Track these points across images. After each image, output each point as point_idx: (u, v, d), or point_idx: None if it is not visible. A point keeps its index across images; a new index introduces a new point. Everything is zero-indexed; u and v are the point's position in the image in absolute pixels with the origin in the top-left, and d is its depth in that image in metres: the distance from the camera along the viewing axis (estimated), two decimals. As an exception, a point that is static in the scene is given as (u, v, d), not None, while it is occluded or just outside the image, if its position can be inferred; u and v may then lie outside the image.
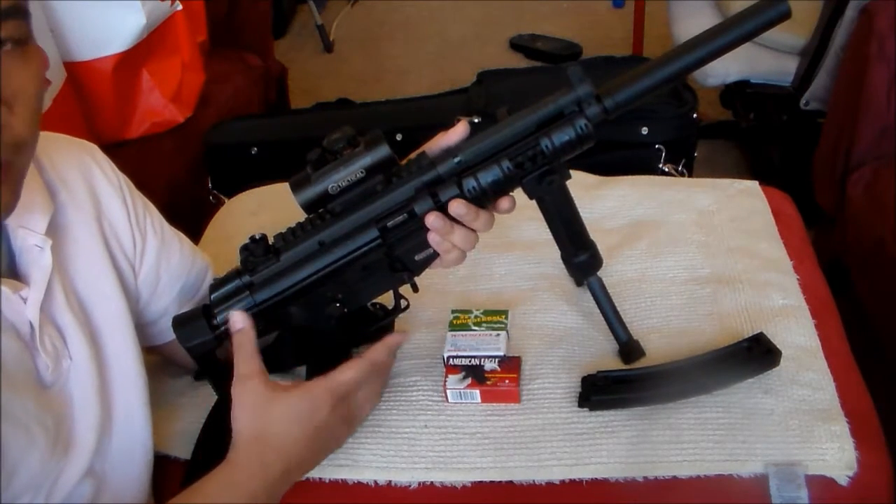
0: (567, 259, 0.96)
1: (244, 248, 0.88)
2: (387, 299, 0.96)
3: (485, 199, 0.85)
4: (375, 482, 0.89)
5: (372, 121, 2.00)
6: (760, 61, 2.08)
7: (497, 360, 0.95)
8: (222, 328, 0.88)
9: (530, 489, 0.88)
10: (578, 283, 1.06)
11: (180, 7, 1.76)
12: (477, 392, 0.93)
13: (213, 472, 0.77)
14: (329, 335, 0.92)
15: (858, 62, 1.61)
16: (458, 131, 0.86)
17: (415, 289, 0.92)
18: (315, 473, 0.90)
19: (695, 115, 1.85)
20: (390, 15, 3.46)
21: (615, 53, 2.31)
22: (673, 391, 0.91)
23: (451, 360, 0.96)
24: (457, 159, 0.84)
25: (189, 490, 0.77)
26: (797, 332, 0.99)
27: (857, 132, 1.61)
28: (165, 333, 0.94)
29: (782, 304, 1.03)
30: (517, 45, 3.12)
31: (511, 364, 0.95)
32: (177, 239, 0.96)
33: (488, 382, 0.93)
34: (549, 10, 3.29)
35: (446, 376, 0.95)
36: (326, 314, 0.89)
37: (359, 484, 0.90)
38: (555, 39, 3.08)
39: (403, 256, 0.88)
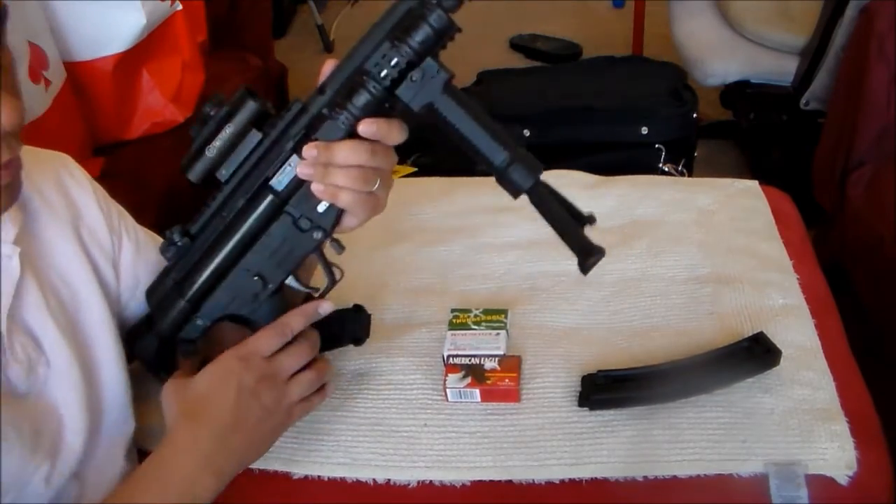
0: (497, 174, 0.77)
1: (164, 245, 0.85)
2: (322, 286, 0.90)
3: None
4: (374, 481, 0.89)
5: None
6: (760, 61, 2.08)
7: (497, 359, 0.95)
8: (161, 328, 0.86)
9: (530, 488, 0.87)
10: (515, 196, 0.80)
11: (180, 7, 1.76)
12: (477, 391, 0.93)
13: (146, 459, 0.78)
14: (265, 319, 0.85)
15: (858, 62, 1.61)
16: (325, 71, 0.80)
17: (339, 248, 0.86)
18: (314, 471, 0.90)
19: (695, 115, 1.86)
20: (390, 15, 3.46)
21: (615, 53, 2.31)
22: (673, 390, 0.91)
23: (450, 358, 0.96)
24: (325, 96, 0.78)
25: (125, 479, 0.79)
26: (797, 331, 0.99)
27: (857, 132, 1.61)
28: None
29: (782, 304, 1.04)
30: (517, 45, 3.12)
31: (511, 363, 0.95)
32: (151, 241, 0.95)
33: (488, 381, 0.93)
34: (549, 10, 3.29)
35: (446, 375, 0.95)
36: (250, 293, 0.85)
37: (358, 482, 0.90)
38: (555, 39, 3.08)
39: (304, 210, 0.82)
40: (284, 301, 0.86)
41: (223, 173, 0.81)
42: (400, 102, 0.77)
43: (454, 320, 1.02)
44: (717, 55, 2.10)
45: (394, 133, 0.78)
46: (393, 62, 0.75)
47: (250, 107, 0.79)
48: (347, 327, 0.95)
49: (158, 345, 0.87)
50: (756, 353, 0.93)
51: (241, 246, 0.83)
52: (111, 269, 0.89)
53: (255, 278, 0.83)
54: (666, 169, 1.78)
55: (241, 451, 0.80)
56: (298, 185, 0.80)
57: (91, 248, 0.86)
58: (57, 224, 0.84)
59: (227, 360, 0.81)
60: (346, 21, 3.43)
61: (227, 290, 0.84)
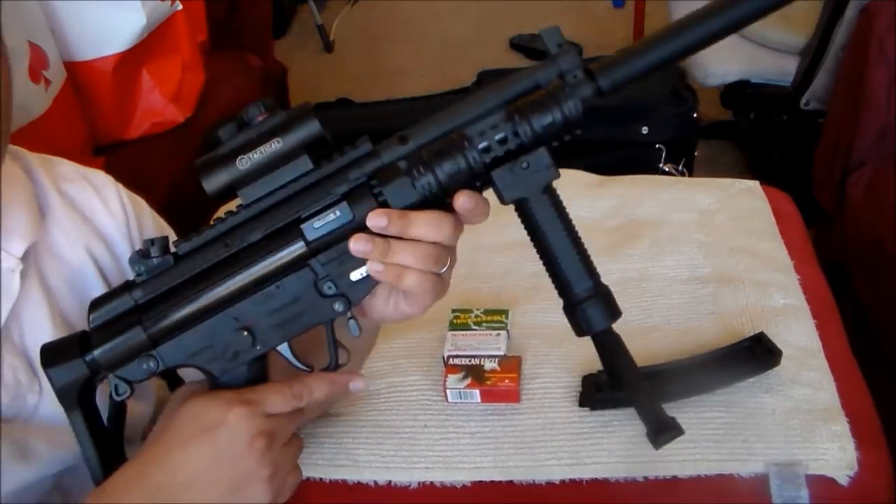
0: (568, 305, 0.66)
1: (136, 252, 0.66)
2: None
3: (442, 197, 0.64)
4: (375, 482, 0.89)
5: (372, 121, 2.00)
6: (760, 61, 2.08)
7: (497, 359, 0.95)
8: (97, 355, 0.65)
9: (530, 489, 0.87)
10: (580, 334, 0.67)
11: (180, 7, 1.76)
12: (477, 392, 0.93)
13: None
14: (235, 385, 0.67)
15: (858, 62, 1.61)
16: None
17: (356, 330, 0.67)
18: (315, 473, 0.90)
19: (695, 115, 1.85)
20: (390, 15, 3.46)
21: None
22: (674, 390, 0.91)
23: (450, 359, 0.96)
24: (406, 147, 0.64)
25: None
26: (798, 331, 0.99)
27: (857, 132, 1.61)
28: None
29: (783, 304, 1.03)
30: (517, 45, 3.12)
31: (511, 363, 0.95)
32: None
33: (488, 382, 0.93)
34: (549, 10, 3.29)
35: (446, 376, 0.94)
36: (232, 350, 0.66)
37: (359, 484, 0.90)
38: (555, 39, 3.08)
39: (334, 273, 0.65)
40: (266, 370, 0.69)
41: (248, 194, 0.65)
42: (491, 185, 0.65)
43: (455, 320, 1.02)
44: (717, 55, 2.09)
45: (484, 213, 0.65)
46: (502, 139, 0.63)
47: (312, 127, 0.64)
48: None
49: (87, 377, 0.66)
50: (757, 354, 0.93)
51: (239, 288, 0.65)
52: None
53: (245, 333, 0.66)
54: (666, 169, 1.78)
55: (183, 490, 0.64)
56: (336, 239, 0.64)
57: (111, 279, 0.80)
58: (79, 248, 0.79)
59: (226, 398, 0.64)
60: (346, 21, 3.43)
61: (201, 335, 0.66)
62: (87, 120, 1.64)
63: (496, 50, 3.12)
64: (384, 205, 0.64)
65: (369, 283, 0.65)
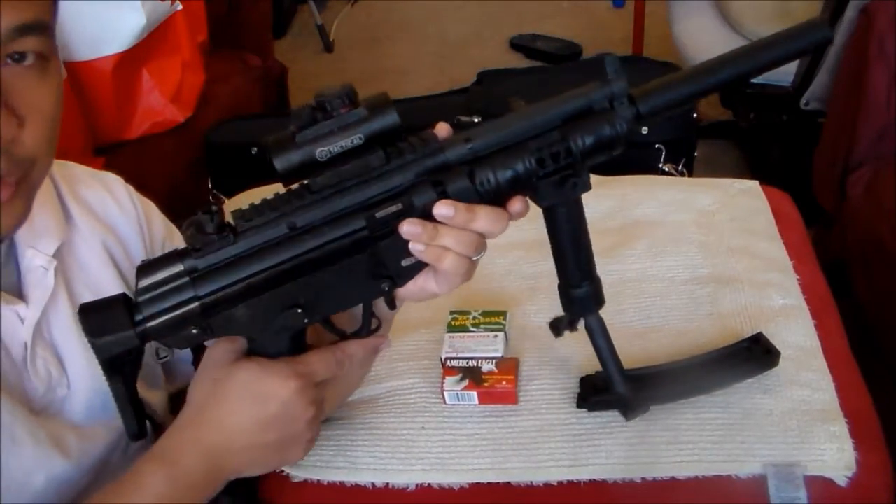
0: (566, 289, 0.80)
1: (190, 224, 0.69)
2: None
3: (497, 196, 0.70)
4: (373, 484, 0.89)
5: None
6: (760, 61, 2.07)
7: (495, 361, 0.95)
8: (148, 325, 0.68)
9: (528, 490, 0.87)
10: (573, 319, 0.84)
11: (180, 7, 1.76)
12: (474, 394, 0.93)
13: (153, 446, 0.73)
14: (279, 354, 0.73)
15: (858, 62, 1.61)
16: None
17: (391, 305, 0.75)
18: (313, 475, 0.90)
19: (695, 115, 1.85)
20: (390, 15, 3.46)
21: (615, 53, 2.31)
22: (672, 391, 0.91)
23: (448, 361, 0.96)
24: (469, 145, 0.69)
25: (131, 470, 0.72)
26: (797, 332, 0.99)
27: (857, 132, 1.61)
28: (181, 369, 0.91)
29: (782, 304, 1.03)
30: (517, 45, 3.12)
31: (508, 365, 0.95)
32: None
33: (485, 384, 0.93)
34: (549, 10, 3.29)
35: (443, 378, 0.94)
36: (282, 324, 0.71)
37: (356, 486, 0.90)
38: (555, 39, 3.08)
39: (388, 259, 0.70)
40: (306, 338, 0.75)
41: (319, 181, 0.68)
42: (533, 191, 0.71)
43: (453, 322, 1.02)
44: (717, 55, 2.09)
45: (526, 214, 0.72)
46: (557, 157, 0.69)
47: (390, 119, 0.67)
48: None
49: (137, 345, 0.69)
50: (755, 354, 0.93)
51: (299, 268, 0.69)
52: None
53: (298, 310, 0.70)
54: (666, 169, 1.77)
55: (245, 462, 0.73)
56: (395, 229, 0.69)
57: (128, 276, 0.83)
58: (93, 244, 0.82)
59: (282, 372, 0.71)
60: (346, 21, 3.43)
61: (254, 309, 0.70)
62: (87, 120, 1.64)
63: (496, 50, 3.12)
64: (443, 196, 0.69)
65: (416, 269, 0.71)
